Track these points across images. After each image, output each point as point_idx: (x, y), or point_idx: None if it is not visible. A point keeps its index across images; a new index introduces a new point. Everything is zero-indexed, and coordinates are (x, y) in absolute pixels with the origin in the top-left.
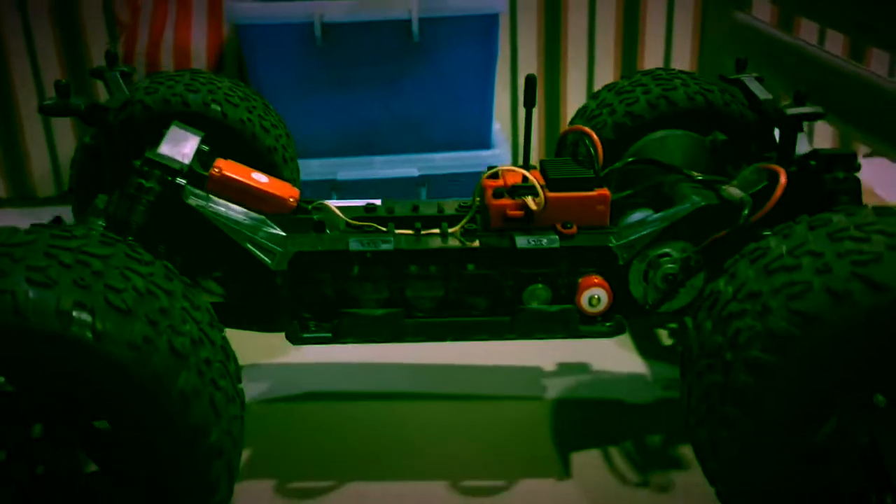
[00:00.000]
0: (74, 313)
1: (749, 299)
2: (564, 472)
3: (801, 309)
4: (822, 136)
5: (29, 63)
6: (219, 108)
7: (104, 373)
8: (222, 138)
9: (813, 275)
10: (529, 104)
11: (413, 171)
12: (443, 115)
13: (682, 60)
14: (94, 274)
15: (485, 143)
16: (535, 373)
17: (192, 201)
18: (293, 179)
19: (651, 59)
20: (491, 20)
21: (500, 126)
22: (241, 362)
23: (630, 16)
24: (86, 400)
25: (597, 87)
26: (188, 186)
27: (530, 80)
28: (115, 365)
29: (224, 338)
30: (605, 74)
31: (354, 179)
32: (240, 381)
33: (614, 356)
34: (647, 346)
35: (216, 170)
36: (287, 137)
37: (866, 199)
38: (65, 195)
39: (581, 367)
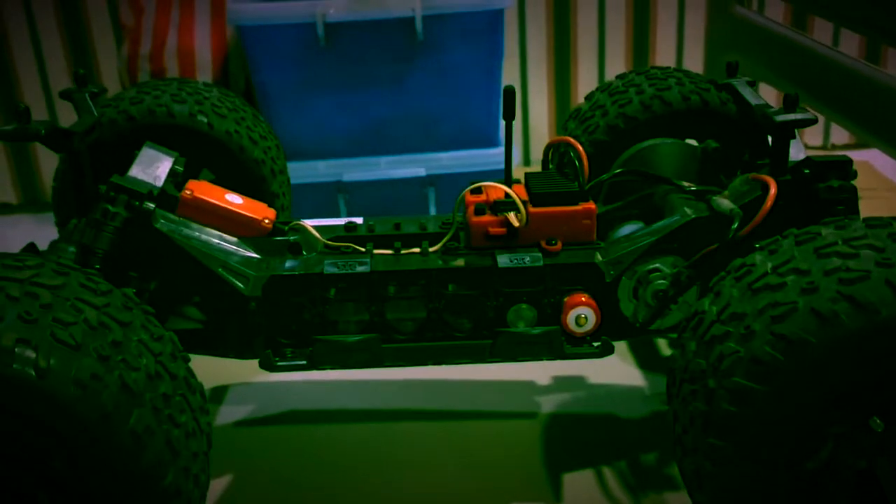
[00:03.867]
0: (17, 350)
1: (732, 321)
2: (555, 495)
3: (786, 333)
4: (840, 133)
5: (37, 69)
6: (205, 120)
7: (48, 412)
8: (209, 150)
9: (798, 295)
10: (509, 117)
11: (420, 171)
12: (449, 113)
13: (695, 53)
14: (43, 307)
15: (492, 140)
16: (527, 387)
17: (162, 226)
18: (281, 193)
19: (663, 52)
20: (496, 16)
21: None
22: (220, 382)
23: (640, 8)
24: (31, 441)
25: None
26: (158, 210)
27: (508, 92)
28: (60, 404)
29: (188, 369)
30: (617, 70)
31: (361, 180)
32: (206, 414)
33: (611, 368)
34: (645, 357)
35: (188, 192)
36: (276, 149)
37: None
38: None
39: (576, 381)
